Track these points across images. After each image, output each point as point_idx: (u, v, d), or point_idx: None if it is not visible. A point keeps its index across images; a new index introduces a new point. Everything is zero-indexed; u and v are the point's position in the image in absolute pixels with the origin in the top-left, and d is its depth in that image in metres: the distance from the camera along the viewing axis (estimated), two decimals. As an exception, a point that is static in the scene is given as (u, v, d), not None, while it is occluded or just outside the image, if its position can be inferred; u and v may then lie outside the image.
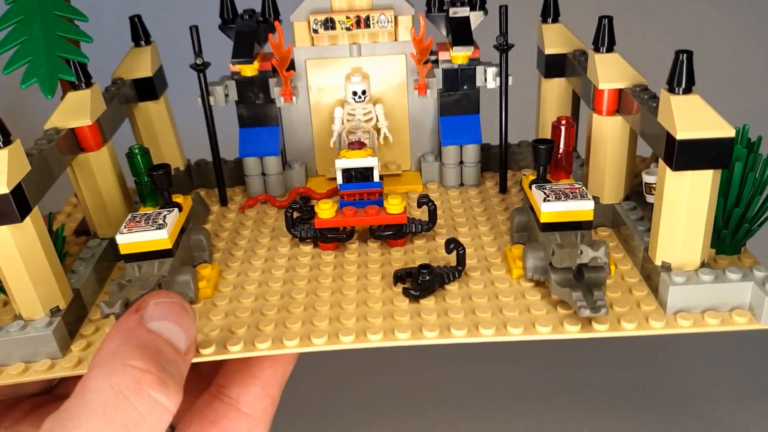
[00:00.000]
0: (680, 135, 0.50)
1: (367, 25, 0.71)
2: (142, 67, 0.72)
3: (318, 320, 0.55)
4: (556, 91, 0.74)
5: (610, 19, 0.62)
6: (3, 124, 0.52)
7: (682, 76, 0.51)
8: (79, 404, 0.43)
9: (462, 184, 0.76)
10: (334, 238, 0.64)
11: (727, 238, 0.57)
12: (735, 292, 0.52)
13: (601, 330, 0.51)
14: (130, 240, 0.57)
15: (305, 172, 0.78)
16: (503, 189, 0.74)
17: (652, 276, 0.55)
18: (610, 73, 0.61)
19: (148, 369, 0.44)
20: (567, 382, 0.96)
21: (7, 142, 0.52)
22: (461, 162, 0.75)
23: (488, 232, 0.66)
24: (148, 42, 0.73)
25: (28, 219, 0.53)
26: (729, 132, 0.50)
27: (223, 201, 0.76)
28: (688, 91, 0.51)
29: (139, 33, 0.72)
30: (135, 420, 0.43)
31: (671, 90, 0.52)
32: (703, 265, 0.54)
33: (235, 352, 0.52)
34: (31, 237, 0.53)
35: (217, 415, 0.55)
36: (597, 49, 0.63)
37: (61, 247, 0.63)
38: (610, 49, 0.62)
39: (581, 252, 0.51)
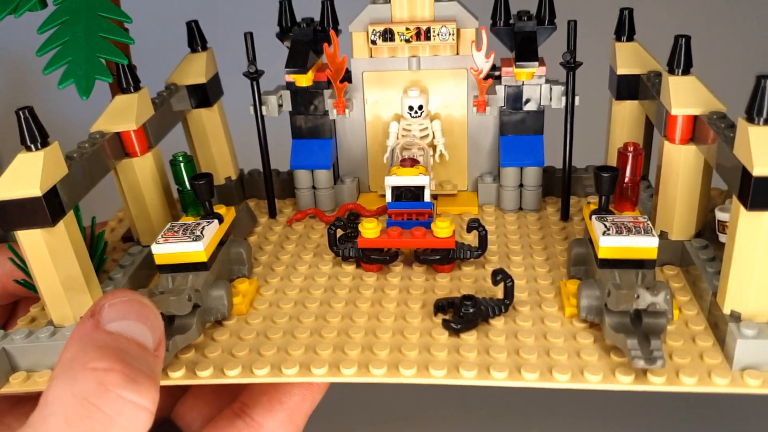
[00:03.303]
0: (757, 171, 0.44)
1: (428, 38, 0.67)
2: (196, 73, 0.70)
3: (350, 348, 0.51)
4: (627, 114, 0.69)
5: (688, 38, 0.56)
6: (41, 125, 0.51)
7: (764, 104, 0.45)
8: (41, 418, 0.40)
9: (521, 209, 0.72)
10: (377, 259, 0.61)
11: (810, 287, 0.51)
12: (813, 349, 0.46)
13: (657, 383, 0.46)
14: (165, 251, 0.56)
15: (357, 188, 0.75)
16: (565, 216, 0.69)
17: (720, 325, 0.50)
18: (684, 97, 0.56)
19: (112, 368, 0.40)
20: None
21: (44, 144, 0.51)
22: (521, 185, 0.71)
23: (543, 263, 0.61)
24: (204, 48, 0.72)
25: (61, 223, 0.52)
26: (815, 170, 0.44)
27: (272, 213, 0.73)
28: (769, 121, 0.46)
29: (195, 38, 0.71)
30: (105, 424, 0.40)
31: (750, 119, 0.46)
32: (778, 316, 0.49)
33: (261, 376, 0.50)
34: (63, 241, 0.52)
35: None
36: (672, 71, 0.57)
37: (101, 252, 0.62)
38: (686, 72, 0.57)
39: (638, 296, 0.46)
